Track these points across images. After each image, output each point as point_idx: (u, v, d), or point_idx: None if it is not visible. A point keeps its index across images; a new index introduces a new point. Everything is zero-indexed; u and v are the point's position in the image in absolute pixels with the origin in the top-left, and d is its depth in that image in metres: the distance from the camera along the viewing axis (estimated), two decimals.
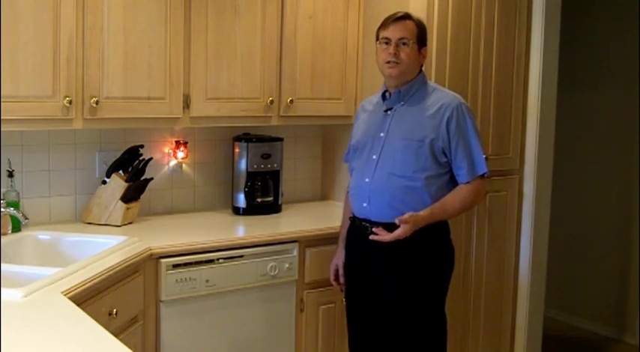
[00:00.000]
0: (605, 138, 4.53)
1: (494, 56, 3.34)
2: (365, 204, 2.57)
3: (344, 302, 2.79)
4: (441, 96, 2.58)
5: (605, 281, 4.53)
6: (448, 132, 2.51)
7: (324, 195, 3.72)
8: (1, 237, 2.48)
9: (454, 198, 2.54)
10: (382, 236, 2.47)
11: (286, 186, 3.49)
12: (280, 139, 3.33)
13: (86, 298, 2.12)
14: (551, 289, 3.91)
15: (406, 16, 2.57)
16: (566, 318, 4.69)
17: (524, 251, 3.55)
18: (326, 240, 2.98)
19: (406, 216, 2.44)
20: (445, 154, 2.52)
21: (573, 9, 3.99)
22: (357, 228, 2.63)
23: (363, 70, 3.38)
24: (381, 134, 2.59)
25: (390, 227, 2.48)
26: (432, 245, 2.56)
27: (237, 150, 3.26)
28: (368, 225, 2.57)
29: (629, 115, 4.39)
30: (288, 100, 3.18)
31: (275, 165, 3.29)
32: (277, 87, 3.17)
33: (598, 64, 4.54)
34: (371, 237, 2.50)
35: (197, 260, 2.68)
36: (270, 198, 3.29)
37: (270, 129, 3.36)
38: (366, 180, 2.57)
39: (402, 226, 2.44)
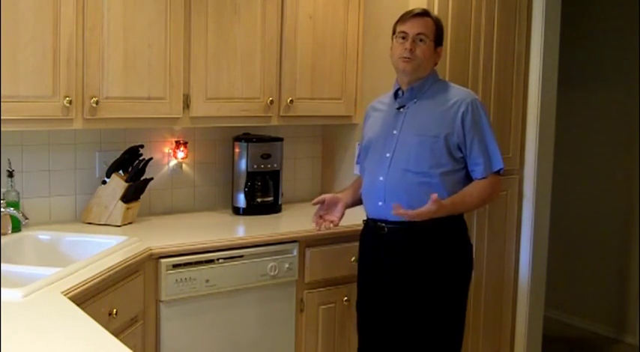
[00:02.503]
0: (605, 138, 4.53)
1: (494, 56, 3.34)
2: (380, 203, 2.54)
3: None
4: (454, 92, 2.56)
5: (605, 281, 4.53)
6: (463, 128, 2.48)
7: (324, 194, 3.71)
8: (1, 237, 2.48)
9: (473, 192, 2.51)
10: (404, 212, 2.39)
11: (286, 186, 3.49)
12: (280, 139, 3.34)
13: (86, 298, 2.12)
14: (551, 289, 3.91)
15: (425, 13, 2.55)
16: (566, 318, 4.69)
17: (524, 251, 3.55)
18: (326, 240, 2.98)
19: (436, 195, 2.39)
20: (460, 150, 2.50)
21: (573, 9, 3.99)
22: (373, 230, 2.59)
23: (363, 70, 3.38)
24: (394, 131, 2.56)
25: (406, 226, 2.45)
26: (449, 243, 2.52)
27: (237, 150, 3.26)
28: (384, 225, 2.53)
29: (629, 115, 4.39)
30: (288, 100, 3.18)
31: (275, 165, 3.29)
32: (277, 87, 3.17)
33: (598, 64, 4.54)
34: (394, 212, 2.41)
35: (197, 260, 2.68)
36: (270, 198, 3.29)
37: (270, 129, 3.36)
38: (380, 178, 2.54)
39: (428, 206, 2.37)
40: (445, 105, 2.52)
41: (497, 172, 2.55)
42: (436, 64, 2.60)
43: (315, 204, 2.70)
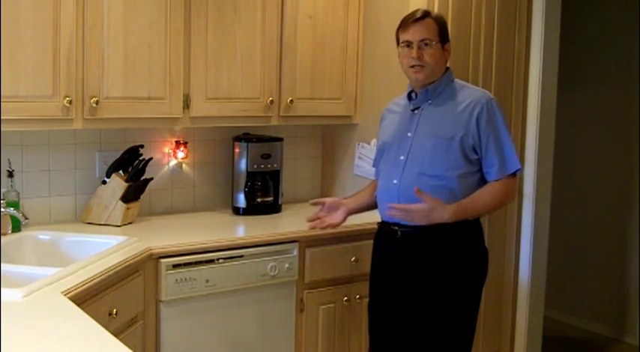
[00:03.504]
0: (605, 138, 4.53)
1: (494, 56, 3.34)
2: None
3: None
4: (469, 92, 2.52)
5: (605, 281, 4.53)
6: (478, 129, 2.43)
7: (324, 195, 3.71)
8: (1, 237, 2.48)
9: (484, 195, 2.45)
10: (398, 207, 2.41)
11: (286, 186, 3.49)
12: (280, 139, 3.34)
13: (86, 298, 2.12)
14: (551, 289, 3.91)
15: (425, 15, 2.49)
16: (566, 318, 4.69)
17: (525, 251, 3.55)
18: (326, 240, 2.98)
19: (429, 196, 2.38)
20: (476, 151, 2.45)
21: (573, 9, 3.99)
22: (387, 233, 2.56)
23: (363, 70, 3.38)
24: (409, 134, 2.52)
25: (421, 229, 2.43)
26: (463, 247, 2.48)
27: (237, 150, 3.26)
28: (397, 228, 2.50)
29: (629, 115, 4.39)
30: (288, 100, 3.18)
31: (275, 165, 3.29)
32: (277, 87, 3.17)
33: (598, 64, 4.54)
34: (388, 212, 2.43)
35: (197, 260, 2.68)
36: (270, 198, 3.29)
37: (270, 129, 3.36)
38: (394, 181, 2.50)
39: (419, 205, 2.37)
40: (460, 106, 2.47)
41: (513, 174, 2.48)
42: (447, 61, 2.55)
43: (313, 204, 2.70)
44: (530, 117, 3.50)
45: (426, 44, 2.45)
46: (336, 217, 2.69)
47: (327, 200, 2.72)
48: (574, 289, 4.66)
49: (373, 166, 2.80)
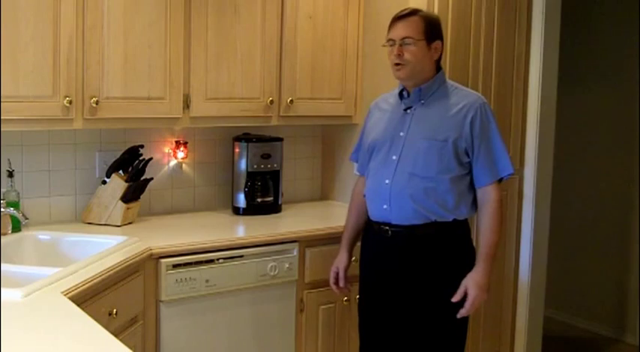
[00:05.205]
0: (605, 138, 4.53)
1: (495, 56, 3.34)
2: (385, 207, 2.49)
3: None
4: (463, 95, 2.51)
5: (605, 281, 4.53)
6: (472, 133, 2.43)
7: (324, 195, 3.72)
8: (1, 237, 2.48)
9: (484, 229, 2.46)
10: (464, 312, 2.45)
11: (286, 186, 3.49)
12: (280, 139, 3.33)
13: (86, 298, 2.12)
14: (551, 289, 3.91)
15: (412, 12, 2.47)
16: (566, 318, 4.69)
17: (525, 251, 3.55)
18: (326, 240, 2.98)
19: (460, 291, 2.43)
20: (468, 155, 2.45)
21: (573, 9, 3.99)
22: (376, 233, 2.55)
23: (363, 70, 3.38)
24: (401, 134, 2.50)
25: (411, 229, 2.44)
26: (453, 247, 2.48)
27: (237, 150, 3.26)
28: (387, 228, 2.50)
29: (629, 115, 4.39)
30: (288, 100, 3.18)
31: (275, 165, 3.29)
32: (277, 87, 3.17)
33: (598, 64, 4.54)
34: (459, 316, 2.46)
35: (197, 260, 2.68)
36: (270, 198, 3.29)
37: (270, 129, 3.36)
38: (386, 181, 2.49)
39: (474, 295, 2.42)
40: (454, 108, 2.46)
41: (499, 180, 2.49)
42: (439, 60, 2.53)
43: (334, 284, 2.75)
44: (530, 117, 3.50)
45: (407, 43, 2.44)
46: (343, 280, 2.73)
47: (340, 276, 2.72)
48: (574, 289, 4.66)
49: (354, 161, 2.79)
